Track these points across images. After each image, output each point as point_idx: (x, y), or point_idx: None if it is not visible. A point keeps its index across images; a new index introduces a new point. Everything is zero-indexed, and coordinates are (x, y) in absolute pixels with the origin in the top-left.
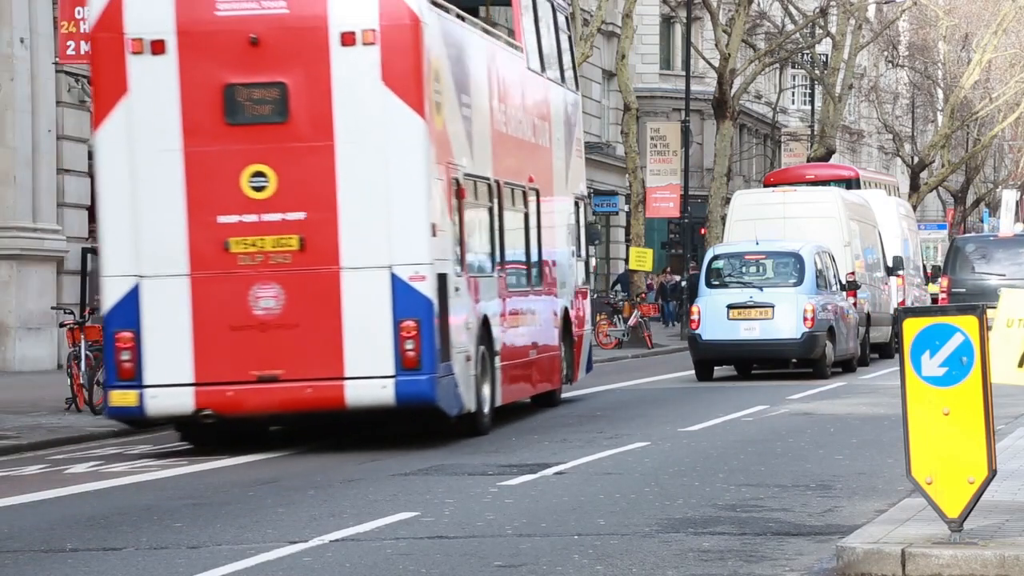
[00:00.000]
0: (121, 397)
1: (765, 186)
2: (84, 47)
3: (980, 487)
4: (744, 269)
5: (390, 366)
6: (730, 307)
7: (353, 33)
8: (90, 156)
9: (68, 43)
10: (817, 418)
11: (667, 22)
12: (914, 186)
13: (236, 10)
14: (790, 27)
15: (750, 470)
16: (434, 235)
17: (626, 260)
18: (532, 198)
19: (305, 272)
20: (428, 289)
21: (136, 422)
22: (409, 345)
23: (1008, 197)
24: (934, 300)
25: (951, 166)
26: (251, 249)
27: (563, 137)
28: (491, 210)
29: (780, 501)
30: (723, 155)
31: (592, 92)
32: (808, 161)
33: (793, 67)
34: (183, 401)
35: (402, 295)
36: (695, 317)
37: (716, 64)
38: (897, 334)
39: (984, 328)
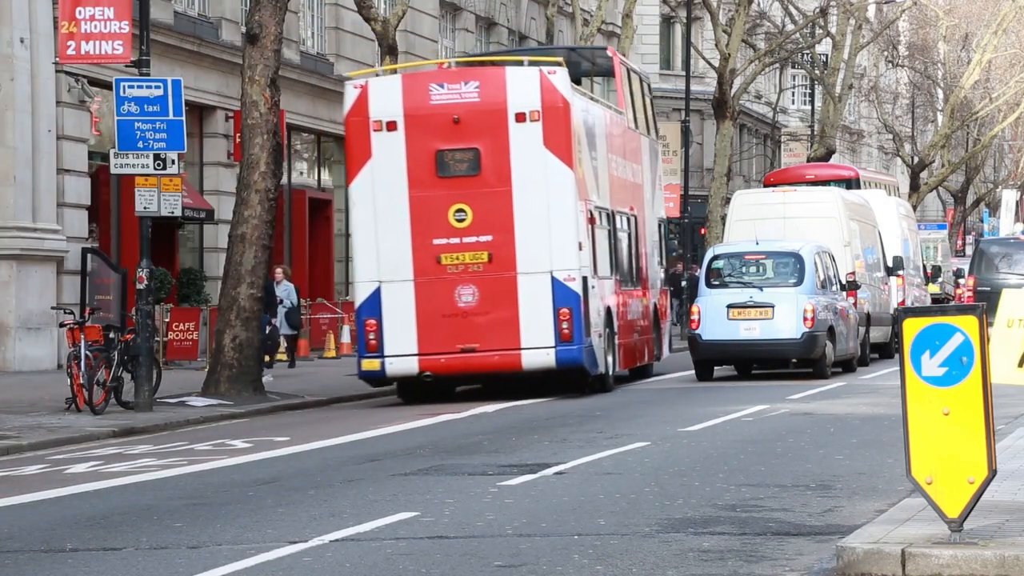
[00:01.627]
0: (369, 363)
1: (765, 186)
2: (84, 47)
3: (980, 487)
4: (744, 269)
5: (551, 339)
6: (730, 307)
7: (524, 113)
8: (90, 156)
9: (68, 43)
10: (817, 418)
11: (667, 22)
12: (914, 186)
13: (443, 99)
14: (790, 27)
15: (750, 470)
16: (580, 250)
17: None
18: (633, 222)
19: (492, 276)
20: (576, 287)
21: (379, 381)
22: (564, 325)
23: (1008, 197)
24: (934, 300)
25: (951, 166)
26: (455, 262)
27: (650, 175)
28: (609, 231)
29: (780, 501)
30: (723, 155)
31: (592, 92)
32: (808, 161)
33: (793, 67)
34: (411, 366)
35: (559, 291)
36: (695, 317)
37: (716, 64)
38: (897, 334)
39: (984, 328)
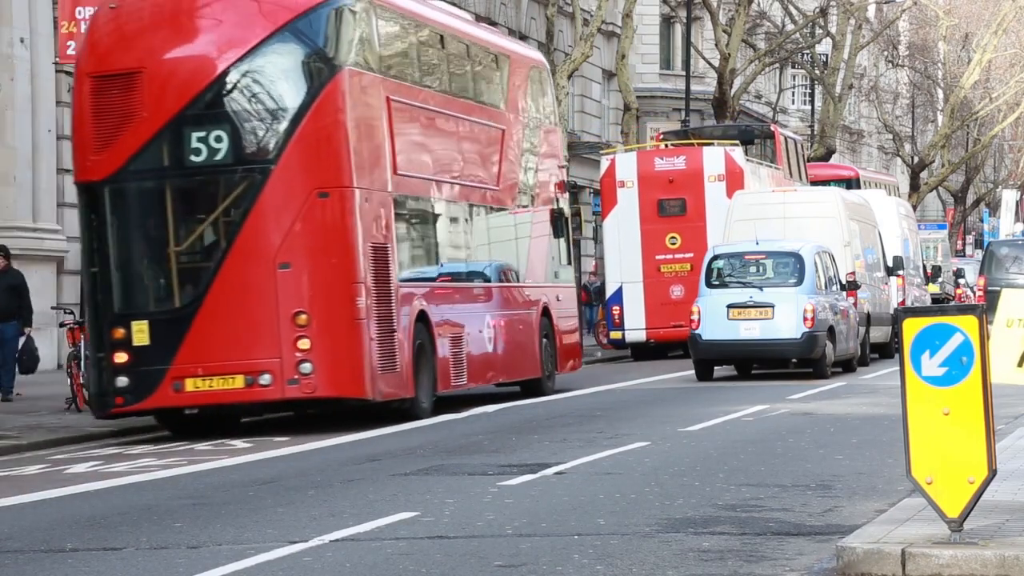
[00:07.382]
0: (615, 334)
1: None
2: None
3: (980, 487)
4: (744, 269)
5: None
6: (730, 307)
7: (713, 175)
8: None
9: (68, 43)
10: (817, 418)
11: (667, 22)
12: (914, 186)
13: (663, 167)
14: (790, 27)
15: (750, 470)
16: None
17: None
18: None
19: (693, 279)
20: None
21: (620, 346)
22: None
23: (1008, 197)
24: (934, 300)
25: (951, 166)
26: (669, 270)
27: None
28: None
29: (780, 501)
30: None
31: (592, 92)
32: (808, 161)
33: (793, 67)
34: (641, 336)
35: None
36: (695, 317)
37: (716, 64)
38: (897, 334)
39: (984, 328)
